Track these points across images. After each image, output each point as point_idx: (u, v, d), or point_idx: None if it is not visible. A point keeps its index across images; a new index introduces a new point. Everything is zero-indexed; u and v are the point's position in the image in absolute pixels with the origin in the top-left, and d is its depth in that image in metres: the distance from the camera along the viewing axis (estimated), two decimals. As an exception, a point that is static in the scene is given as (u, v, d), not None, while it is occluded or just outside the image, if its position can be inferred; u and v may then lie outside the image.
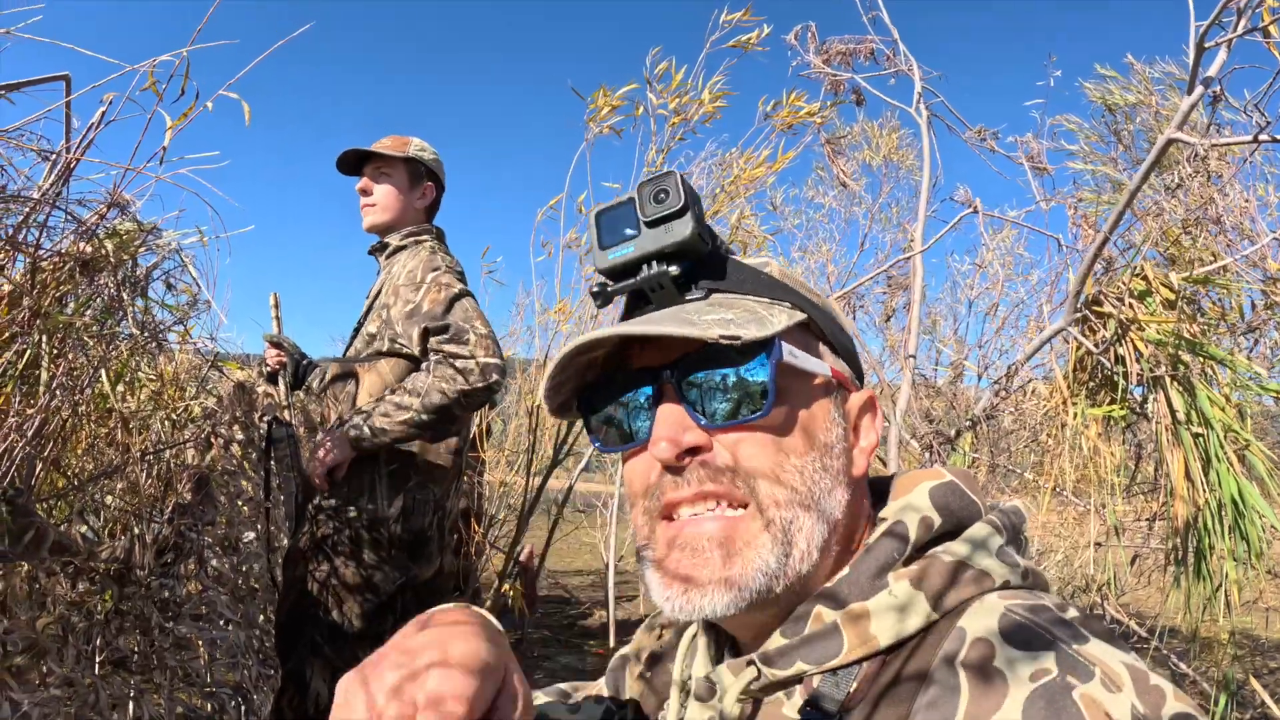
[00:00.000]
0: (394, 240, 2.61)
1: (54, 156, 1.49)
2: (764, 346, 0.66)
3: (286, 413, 2.74)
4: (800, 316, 0.70)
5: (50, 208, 1.61)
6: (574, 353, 0.69)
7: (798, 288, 0.74)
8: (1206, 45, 1.87)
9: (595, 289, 0.74)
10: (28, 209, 1.54)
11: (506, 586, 4.62)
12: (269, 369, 2.78)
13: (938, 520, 0.68)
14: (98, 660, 1.82)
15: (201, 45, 1.57)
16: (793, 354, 0.67)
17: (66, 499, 2.03)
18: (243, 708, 2.57)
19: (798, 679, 0.65)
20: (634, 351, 0.73)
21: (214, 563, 2.75)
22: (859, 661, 0.63)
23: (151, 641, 2.11)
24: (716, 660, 0.77)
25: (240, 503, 2.99)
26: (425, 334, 2.37)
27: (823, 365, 0.71)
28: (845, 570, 0.66)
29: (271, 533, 2.73)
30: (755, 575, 0.64)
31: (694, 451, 0.67)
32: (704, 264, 0.72)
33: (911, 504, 0.69)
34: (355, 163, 2.66)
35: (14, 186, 1.46)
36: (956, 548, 0.66)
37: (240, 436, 3.02)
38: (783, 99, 3.90)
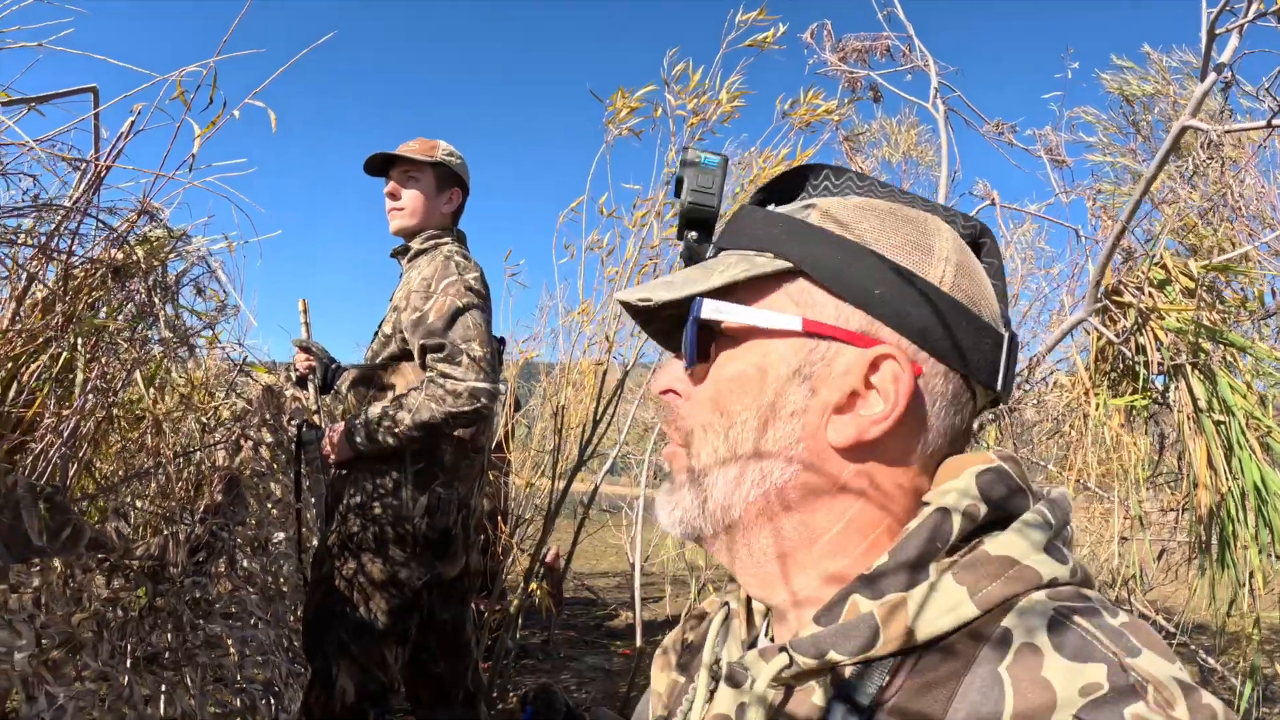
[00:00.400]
0: (416, 244, 2.65)
1: (84, 165, 1.54)
2: (690, 302, 0.67)
3: (316, 416, 2.79)
4: (777, 266, 0.66)
5: (81, 216, 1.66)
6: (635, 313, 0.75)
7: (831, 228, 0.67)
8: (1218, 31, 1.86)
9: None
10: (60, 217, 1.59)
11: (533, 586, 4.65)
12: (298, 374, 2.84)
13: (984, 509, 0.63)
14: (132, 656, 1.87)
15: (228, 55, 1.61)
16: (717, 309, 0.66)
17: (97, 503, 2.09)
18: (274, 705, 2.61)
19: (829, 668, 0.62)
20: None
21: (244, 563, 2.80)
22: (894, 655, 0.60)
23: (184, 639, 2.15)
24: (750, 646, 0.75)
25: (270, 504, 3.05)
26: (423, 349, 2.43)
27: (777, 318, 0.65)
28: (884, 557, 0.62)
29: (303, 534, 2.78)
30: (682, 512, 0.69)
31: (668, 392, 0.73)
32: (721, 225, 0.76)
33: (957, 490, 0.64)
34: (382, 165, 2.70)
35: (45, 196, 1.50)
36: (1004, 540, 0.61)
37: (269, 439, 3.07)
38: (800, 97, 3.91)
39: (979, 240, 0.74)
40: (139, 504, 2.42)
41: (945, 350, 0.65)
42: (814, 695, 0.63)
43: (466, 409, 2.36)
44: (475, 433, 2.60)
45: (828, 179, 0.75)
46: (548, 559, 5.48)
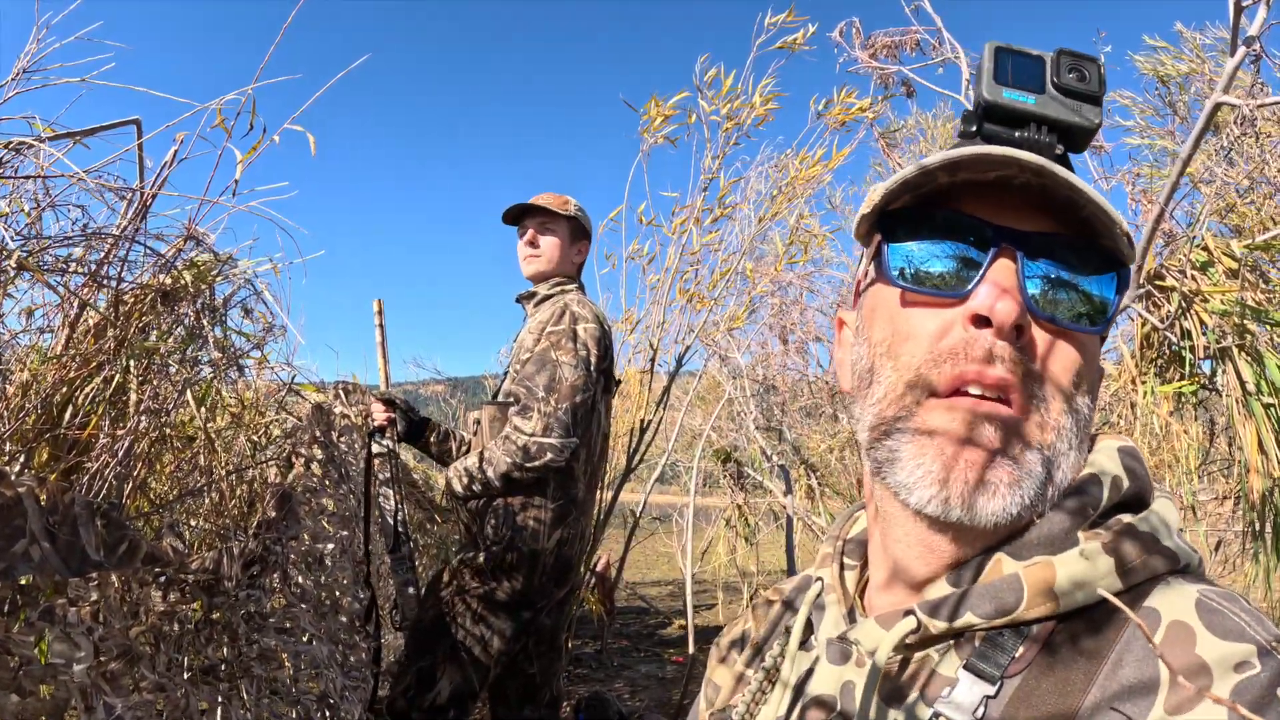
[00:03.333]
0: (543, 289, 2.81)
1: (130, 195, 1.59)
2: (1119, 264, 0.61)
3: (390, 468, 2.89)
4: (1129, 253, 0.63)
5: (130, 243, 1.71)
6: (948, 165, 0.60)
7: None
8: (1245, 3, 1.82)
9: (968, 118, 0.68)
10: (109, 245, 1.65)
11: (584, 595, 4.67)
12: (375, 424, 2.93)
13: (1127, 484, 0.62)
14: (188, 668, 1.92)
15: (265, 81, 1.66)
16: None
17: (151, 520, 2.15)
18: (329, 716, 2.66)
19: (961, 633, 0.59)
20: (967, 201, 0.63)
21: (298, 578, 2.86)
22: (1034, 622, 0.57)
23: (239, 652, 2.20)
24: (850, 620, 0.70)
25: (323, 519, 3.10)
26: (511, 397, 2.57)
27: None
28: (1035, 521, 0.60)
29: (370, 551, 2.86)
30: (1019, 495, 0.59)
31: (1020, 332, 0.59)
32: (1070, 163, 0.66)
33: (1102, 464, 0.63)
34: (518, 215, 2.89)
35: (94, 226, 1.56)
36: (1149, 519, 0.60)
37: (319, 455, 3.13)
38: (834, 97, 3.91)
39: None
40: (193, 521, 2.48)
41: None
42: (936, 664, 0.60)
43: (529, 464, 2.52)
44: (597, 470, 2.77)
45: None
46: (598, 568, 5.50)
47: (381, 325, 3.06)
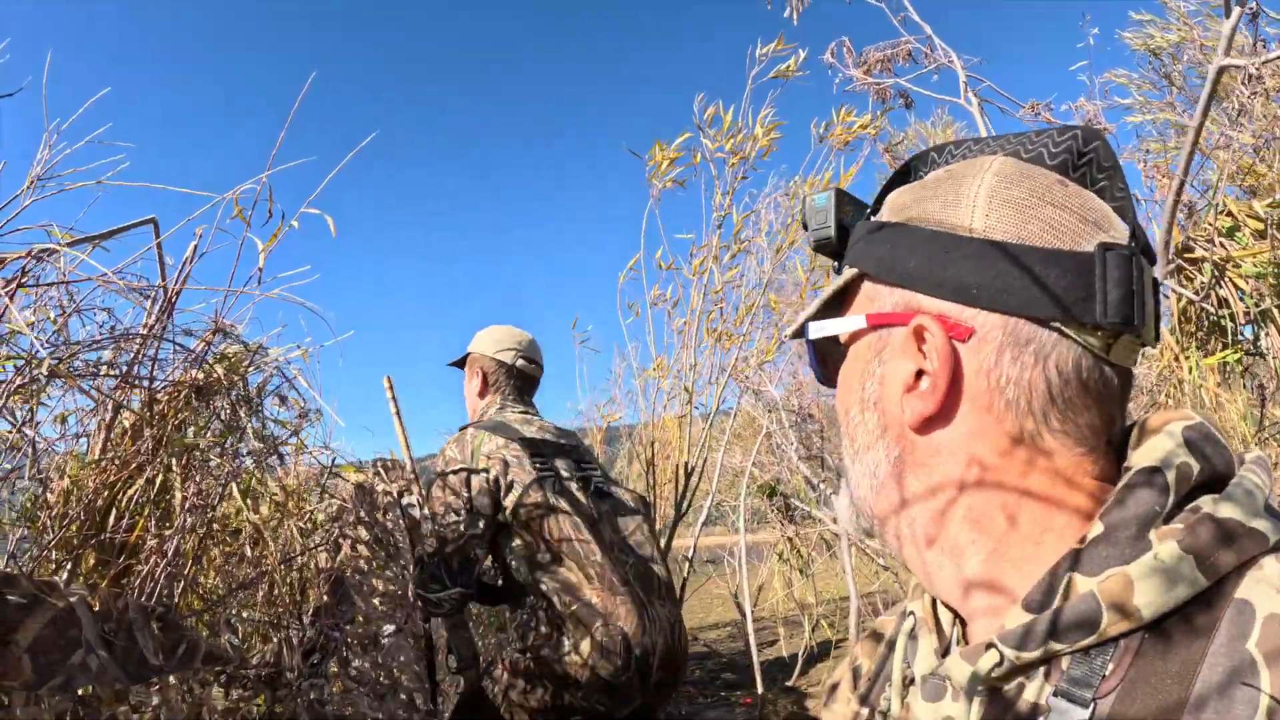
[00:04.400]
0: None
1: (154, 293, 1.60)
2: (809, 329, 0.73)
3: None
4: (849, 274, 0.70)
5: (158, 342, 1.72)
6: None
7: (887, 217, 0.69)
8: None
9: None
10: (138, 346, 1.65)
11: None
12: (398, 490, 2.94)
13: (1197, 467, 0.57)
14: (257, 764, 1.89)
15: (279, 168, 1.68)
16: (820, 328, 0.71)
17: (203, 618, 2.14)
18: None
19: (1046, 660, 0.57)
20: None
21: (355, 662, 2.83)
22: (1118, 639, 0.54)
23: (305, 742, 2.18)
24: (943, 654, 0.68)
25: (375, 599, 3.08)
26: None
27: (851, 321, 0.69)
28: (1096, 527, 0.57)
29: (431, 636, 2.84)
30: (844, 509, 0.73)
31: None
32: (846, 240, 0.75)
33: (1165, 448, 0.58)
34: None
35: (121, 327, 1.57)
36: (1227, 502, 0.55)
37: (366, 536, 3.12)
38: (833, 118, 3.91)
39: (1083, 152, 0.66)
40: (245, 613, 2.47)
41: (991, 297, 0.60)
42: (1027, 692, 0.58)
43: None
44: (623, 574, 2.58)
45: (933, 162, 0.73)
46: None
47: (394, 400, 3.06)
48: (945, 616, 0.71)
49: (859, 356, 0.69)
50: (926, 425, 0.62)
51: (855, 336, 0.69)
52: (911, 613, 0.74)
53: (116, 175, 1.29)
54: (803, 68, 3.77)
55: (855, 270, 0.69)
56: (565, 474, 2.59)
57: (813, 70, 3.89)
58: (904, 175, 0.73)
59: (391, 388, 3.06)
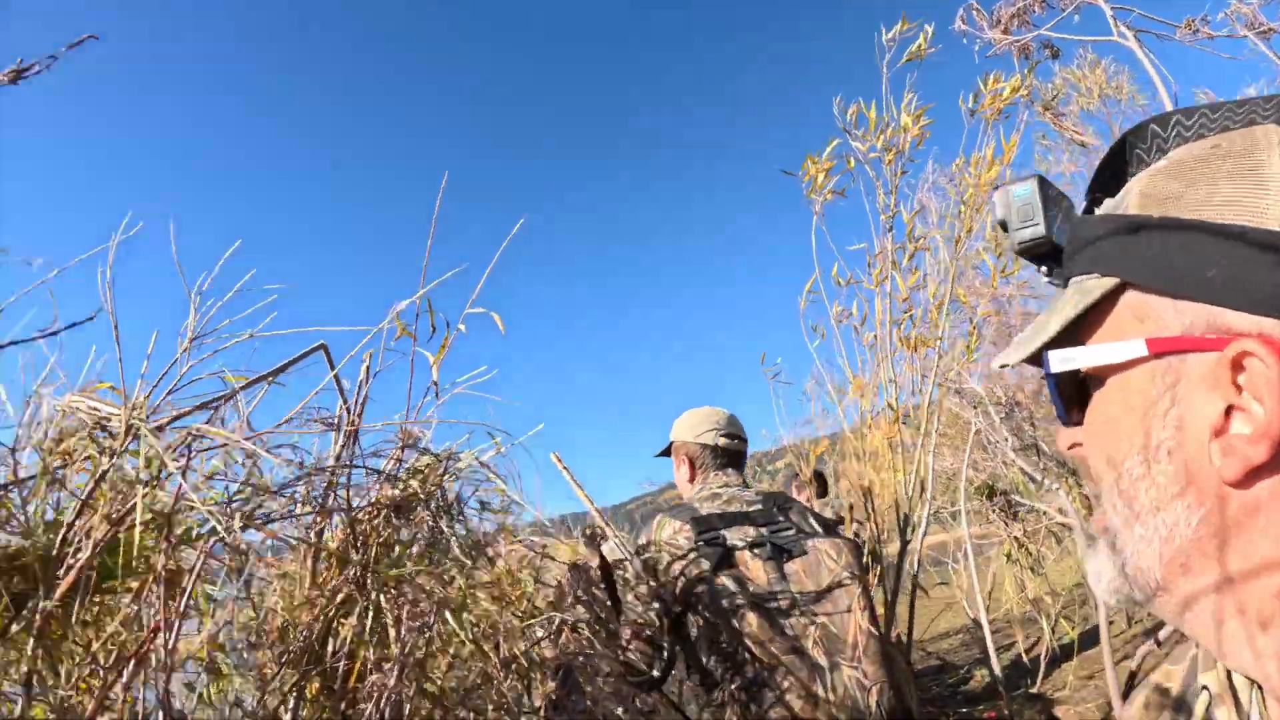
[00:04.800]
0: None
1: (335, 422, 1.56)
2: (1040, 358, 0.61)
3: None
4: (1104, 286, 0.57)
5: (349, 469, 1.69)
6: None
7: (1151, 211, 0.55)
8: None
9: None
10: (330, 477, 1.62)
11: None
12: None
13: None
14: None
15: (432, 285, 1.62)
16: (1064, 359, 0.59)
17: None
18: None
19: None
20: None
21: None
22: None
23: None
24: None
25: (600, 681, 2.99)
26: None
27: (1124, 348, 0.55)
28: None
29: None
30: (1107, 579, 0.59)
31: (1075, 447, 0.63)
32: (1066, 251, 0.64)
33: None
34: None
35: (310, 459, 1.54)
36: None
37: (585, 615, 3.05)
38: (981, 87, 3.57)
39: None
40: (476, 716, 2.42)
41: None
42: None
43: None
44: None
45: (1156, 137, 0.61)
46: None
47: (566, 469, 3.04)
48: (1240, 682, 0.64)
49: (1134, 391, 0.56)
50: (1250, 477, 0.50)
51: (1120, 367, 0.57)
52: (1205, 686, 0.67)
53: (268, 325, 1.23)
54: (934, 43, 3.47)
55: (1114, 280, 0.57)
56: (739, 543, 2.53)
57: (945, 43, 3.59)
58: (1119, 155, 0.63)
59: (560, 460, 3.04)
